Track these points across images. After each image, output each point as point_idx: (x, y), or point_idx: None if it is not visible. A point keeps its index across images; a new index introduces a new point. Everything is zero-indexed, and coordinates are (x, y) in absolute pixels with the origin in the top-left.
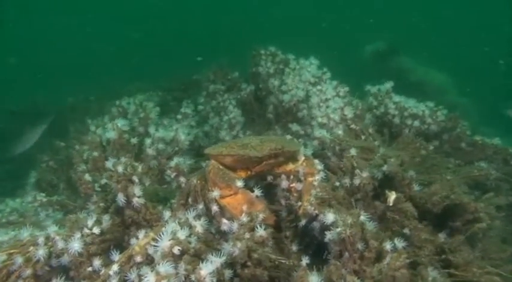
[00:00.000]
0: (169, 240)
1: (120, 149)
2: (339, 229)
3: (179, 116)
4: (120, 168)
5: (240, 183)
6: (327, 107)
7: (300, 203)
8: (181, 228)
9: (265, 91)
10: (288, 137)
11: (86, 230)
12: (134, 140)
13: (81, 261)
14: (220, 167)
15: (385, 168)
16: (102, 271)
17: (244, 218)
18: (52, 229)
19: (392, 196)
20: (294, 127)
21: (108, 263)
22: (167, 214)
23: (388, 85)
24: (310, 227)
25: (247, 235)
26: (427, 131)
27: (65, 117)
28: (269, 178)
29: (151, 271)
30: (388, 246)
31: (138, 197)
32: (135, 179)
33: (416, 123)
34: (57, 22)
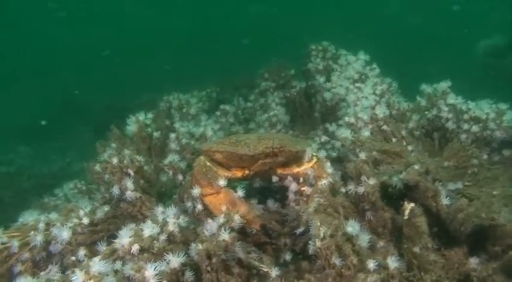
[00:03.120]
0: (130, 237)
1: (141, 142)
2: (311, 240)
3: (218, 113)
4: (114, 160)
5: (222, 182)
6: (357, 105)
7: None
8: (152, 226)
9: (313, 89)
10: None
11: (75, 220)
12: (157, 134)
13: (71, 249)
14: (207, 163)
15: (402, 176)
16: (84, 262)
17: (221, 219)
18: (52, 216)
19: (408, 208)
20: (331, 127)
21: (96, 254)
22: (160, 210)
23: (445, 84)
24: (308, 236)
25: (210, 238)
26: (489, 138)
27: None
28: (274, 179)
29: (81, 270)
30: (371, 264)
31: (132, 190)
32: (130, 172)
33: (475, 128)
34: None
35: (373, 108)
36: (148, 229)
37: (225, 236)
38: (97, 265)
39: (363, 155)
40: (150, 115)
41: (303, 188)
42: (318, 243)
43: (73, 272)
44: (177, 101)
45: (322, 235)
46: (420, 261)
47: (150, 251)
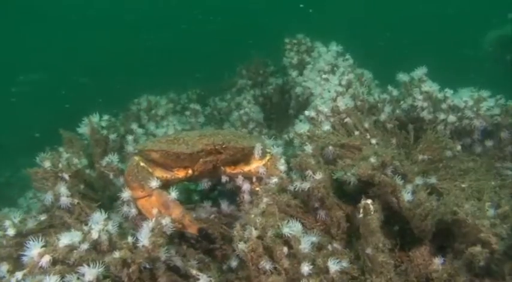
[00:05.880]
0: (41, 247)
1: (95, 145)
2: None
3: (188, 112)
4: (47, 164)
5: (154, 183)
6: (321, 98)
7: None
8: (73, 234)
9: (289, 85)
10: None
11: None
12: (113, 136)
13: None
14: (141, 164)
15: (353, 170)
16: (6, 278)
17: (150, 224)
18: None
19: (363, 205)
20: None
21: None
22: (97, 216)
23: (421, 72)
24: None
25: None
26: (469, 128)
27: None
28: (224, 180)
29: None
30: (305, 268)
31: (67, 196)
32: (65, 176)
33: (452, 118)
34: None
35: (335, 100)
36: (66, 238)
37: (145, 241)
38: None
39: (309, 148)
40: (105, 117)
41: (257, 188)
42: (241, 246)
43: None
44: (145, 102)
45: (245, 237)
46: (372, 262)
47: (65, 263)
